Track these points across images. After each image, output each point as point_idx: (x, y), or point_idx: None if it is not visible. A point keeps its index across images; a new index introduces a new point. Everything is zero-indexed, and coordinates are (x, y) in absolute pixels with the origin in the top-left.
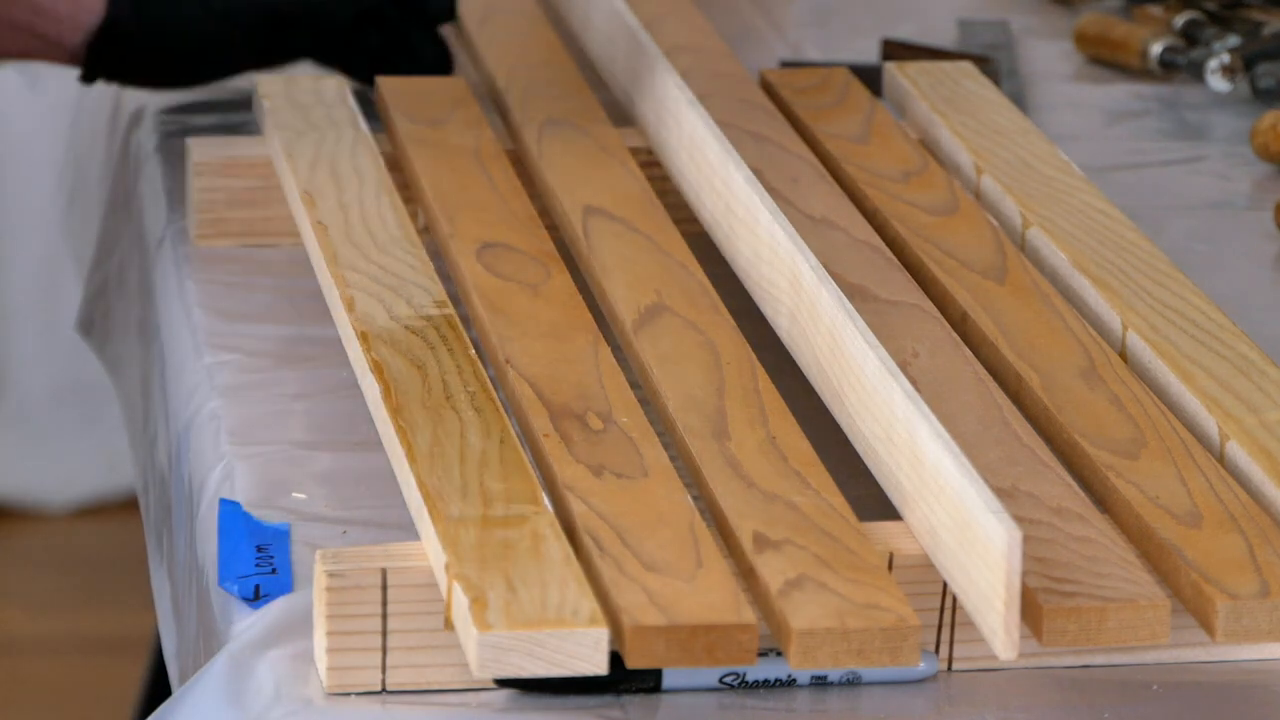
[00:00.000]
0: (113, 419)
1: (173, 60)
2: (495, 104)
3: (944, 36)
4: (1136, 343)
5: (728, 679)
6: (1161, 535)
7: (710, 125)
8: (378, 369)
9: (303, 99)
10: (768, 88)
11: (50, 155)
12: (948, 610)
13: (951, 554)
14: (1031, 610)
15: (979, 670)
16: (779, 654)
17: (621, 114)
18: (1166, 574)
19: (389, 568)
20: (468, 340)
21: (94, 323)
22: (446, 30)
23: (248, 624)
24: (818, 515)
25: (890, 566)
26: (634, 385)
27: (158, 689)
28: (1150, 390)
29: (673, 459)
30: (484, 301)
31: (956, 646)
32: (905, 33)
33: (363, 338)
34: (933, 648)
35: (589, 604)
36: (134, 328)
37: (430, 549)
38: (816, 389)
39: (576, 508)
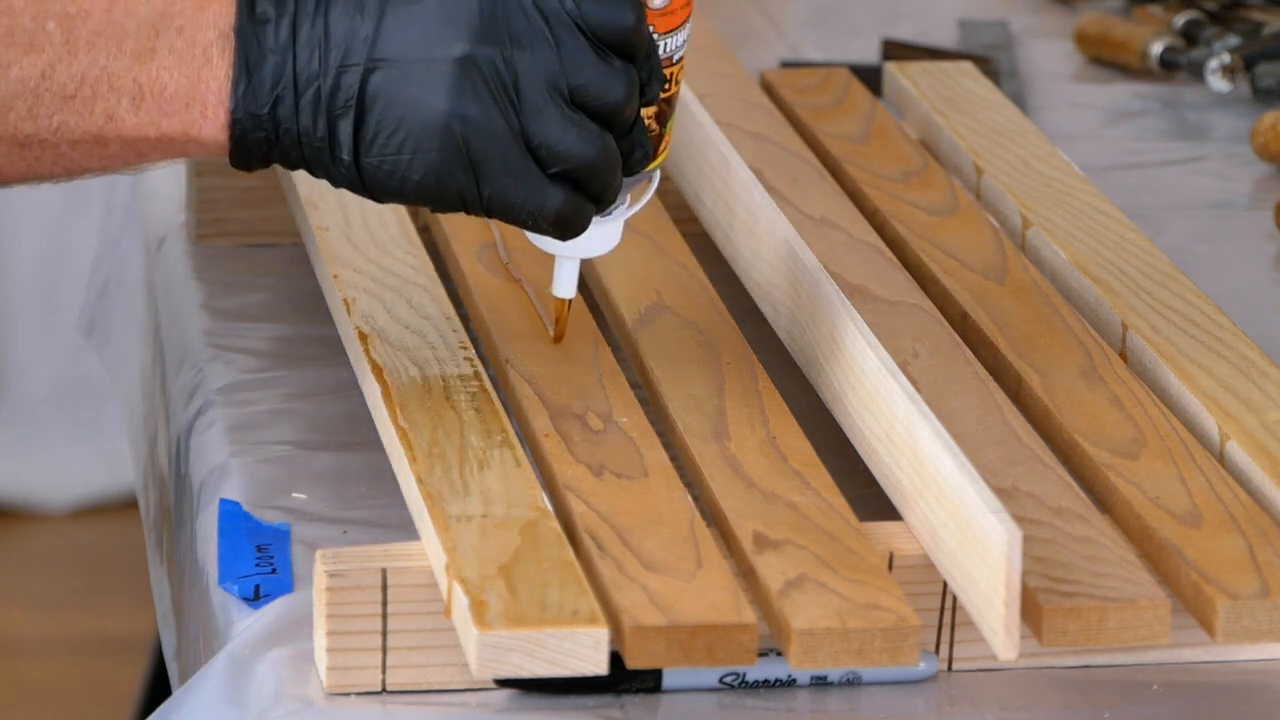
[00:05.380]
0: (113, 419)
1: None
2: None
3: (944, 36)
4: (1137, 343)
5: (728, 679)
6: (1161, 535)
7: (710, 125)
8: (377, 369)
9: None
10: (768, 88)
11: None
12: (948, 610)
13: (951, 554)
14: (1032, 610)
15: (979, 670)
16: (779, 654)
17: None
18: (1166, 574)
19: (389, 568)
20: (468, 340)
21: (95, 324)
22: None
23: (248, 624)
24: (818, 515)
25: (890, 566)
26: (634, 385)
27: (158, 689)
28: (1150, 390)
29: (673, 459)
30: (484, 301)
31: (956, 646)
32: (905, 33)
33: (363, 338)
34: (933, 648)
35: (589, 604)
36: (134, 328)
37: (430, 549)
38: (816, 389)
39: (576, 508)
